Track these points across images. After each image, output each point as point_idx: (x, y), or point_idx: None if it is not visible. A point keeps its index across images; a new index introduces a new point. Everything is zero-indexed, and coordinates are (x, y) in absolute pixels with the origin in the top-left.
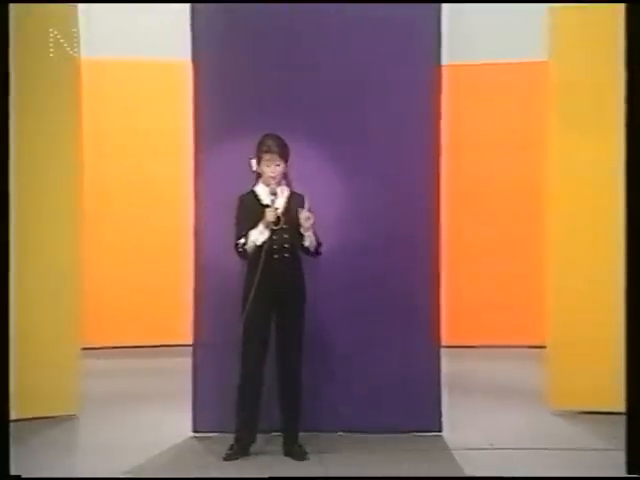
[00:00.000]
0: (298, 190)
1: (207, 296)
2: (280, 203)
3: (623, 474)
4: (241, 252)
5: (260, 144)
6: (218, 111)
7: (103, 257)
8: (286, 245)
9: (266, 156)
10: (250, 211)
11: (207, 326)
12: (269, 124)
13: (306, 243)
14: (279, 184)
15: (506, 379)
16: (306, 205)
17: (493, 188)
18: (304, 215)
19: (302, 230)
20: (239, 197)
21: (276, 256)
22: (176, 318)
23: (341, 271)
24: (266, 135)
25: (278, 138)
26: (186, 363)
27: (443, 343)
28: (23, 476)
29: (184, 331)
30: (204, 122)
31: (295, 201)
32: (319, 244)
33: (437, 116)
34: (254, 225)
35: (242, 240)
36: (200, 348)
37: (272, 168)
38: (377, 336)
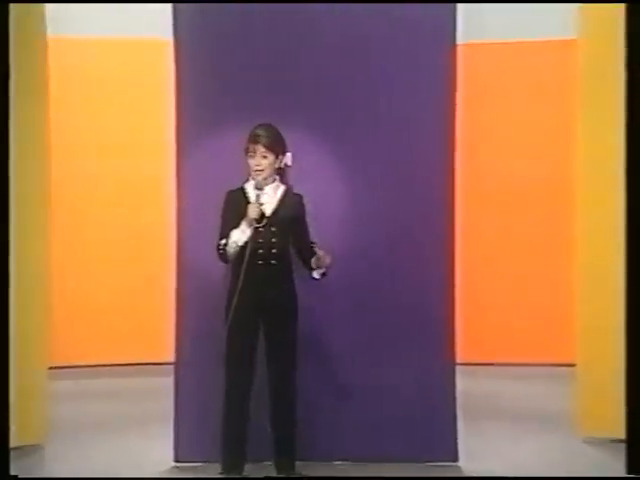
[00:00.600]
0: (298, 190)
1: (191, 307)
2: (266, 199)
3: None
4: (222, 254)
5: (249, 134)
6: (204, 99)
7: (73, 263)
8: (274, 250)
9: (250, 146)
10: (236, 209)
11: (190, 342)
12: (262, 114)
13: (315, 275)
14: (268, 180)
15: (530, 401)
16: (305, 207)
17: (514, 183)
18: (320, 256)
19: (313, 265)
20: (227, 193)
21: (261, 261)
22: (156, 332)
23: (341, 277)
24: (257, 125)
25: (269, 128)
26: (168, 383)
27: (458, 360)
28: None
29: (165, 347)
30: (187, 111)
31: (291, 201)
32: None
33: (452, 102)
34: (239, 224)
35: (223, 241)
36: (182, 367)
37: (257, 160)
38: (382, 352)
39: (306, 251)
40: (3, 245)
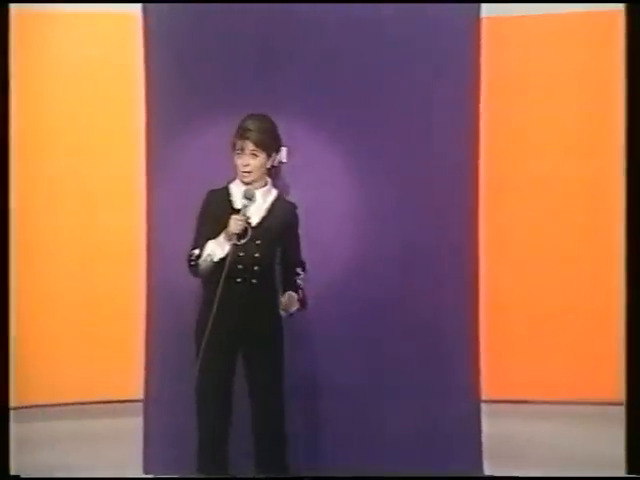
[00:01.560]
0: (291, 197)
1: (162, 334)
2: (253, 211)
3: None
4: (192, 266)
5: (238, 126)
6: (179, 85)
7: (32, 283)
8: (256, 267)
9: (238, 142)
10: (217, 213)
11: (162, 376)
12: (250, 102)
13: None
14: (258, 183)
15: (569, 446)
16: (298, 220)
17: (546, 182)
18: (289, 297)
19: (280, 303)
20: (208, 193)
21: (240, 279)
22: (126, 364)
23: (344, 294)
24: (248, 115)
25: (262, 120)
26: (138, 424)
27: (484, 397)
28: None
29: (136, 383)
30: (159, 100)
31: (281, 211)
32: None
33: (475, 86)
34: (218, 233)
35: (196, 251)
36: (152, 405)
37: (245, 159)
38: (392, 385)
39: (288, 274)
40: None
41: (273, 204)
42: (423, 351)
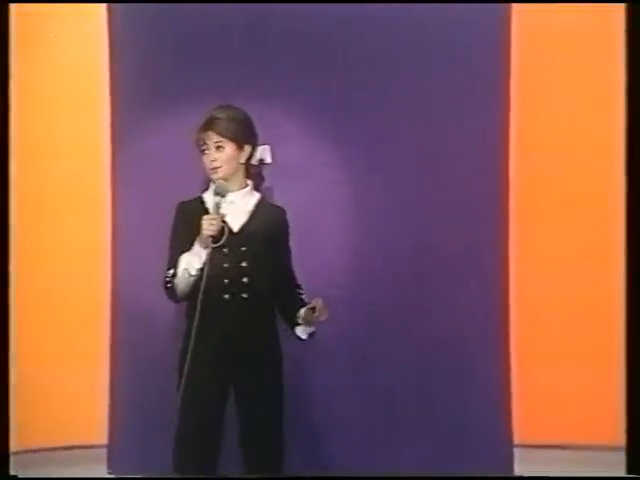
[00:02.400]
0: (278, 200)
1: (129, 369)
2: (233, 216)
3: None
4: (169, 288)
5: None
6: (147, 80)
7: None
8: (244, 279)
9: (200, 136)
10: (191, 227)
11: (128, 421)
12: (230, 96)
13: (299, 332)
14: (233, 183)
15: None
16: (289, 226)
17: (583, 186)
18: (316, 306)
19: (299, 318)
20: (178, 205)
21: (228, 295)
22: (91, 406)
23: (352, 313)
24: (217, 107)
25: (230, 110)
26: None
27: (517, 441)
28: None
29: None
30: (125, 96)
31: (267, 215)
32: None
33: (504, 80)
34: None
35: (172, 271)
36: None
37: (211, 154)
38: (412, 433)
39: (286, 292)
40: None
41: (256, 208)
42: (446, 396)
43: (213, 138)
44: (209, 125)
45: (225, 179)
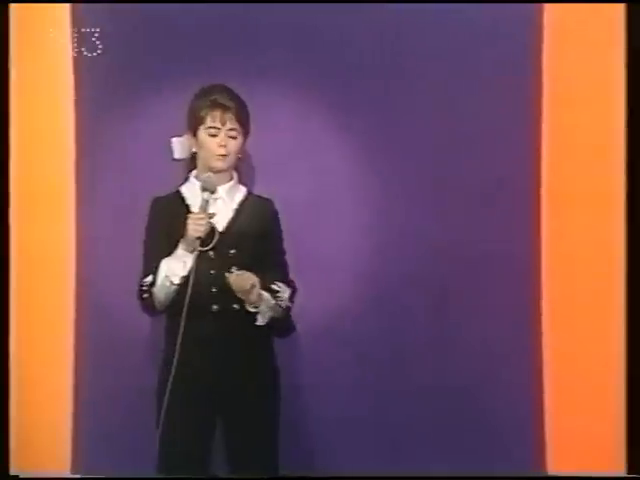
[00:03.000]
0: (263, 192)
1: (96, 391)
2: (219, 206)
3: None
4: (146, 299)
5: (197, 101)
6: (115, 63)
7: None
8: None
9: (212, 112)
10: (170, 226)
11: (94, 451)
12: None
13: (258, 321)
14: (223, 176)
15: None
16: (279, 218)
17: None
18: (239, 279)
19: (246, 304)
20: (152, 201)
21: (217, 307)
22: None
23: (357, 333)
24: (210, 86)
25: (230, 90)
26: None
27: (550, 470)
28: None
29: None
30: (89, 82)
31: (255, 210)
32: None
33: (536, 75)
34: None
35: (149, 278)
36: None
37: (221, 138)
38: (422, 458)
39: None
40: None
41: (242, 203)
42: (463, 421)
43: (228, 124)
44: (223, 107)
45: (221, 170)
